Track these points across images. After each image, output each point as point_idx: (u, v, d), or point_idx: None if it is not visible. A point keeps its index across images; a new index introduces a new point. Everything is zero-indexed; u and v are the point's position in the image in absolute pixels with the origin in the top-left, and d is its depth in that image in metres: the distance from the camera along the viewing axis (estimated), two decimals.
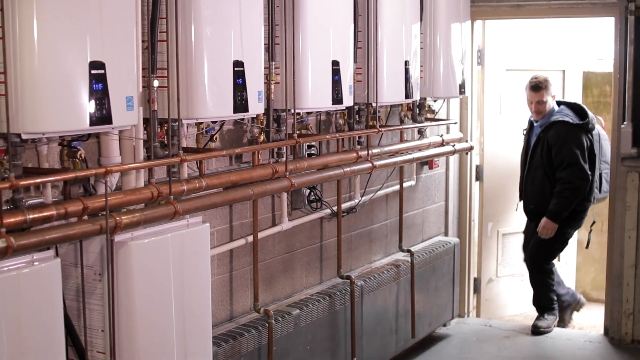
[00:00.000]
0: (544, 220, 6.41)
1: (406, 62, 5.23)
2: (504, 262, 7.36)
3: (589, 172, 6.37)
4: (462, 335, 6.71)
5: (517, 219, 7.14)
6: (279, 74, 4.32)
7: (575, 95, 7.50)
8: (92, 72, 3.05)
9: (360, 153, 5.03)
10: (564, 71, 7.54)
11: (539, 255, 6.64)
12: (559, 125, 6.40)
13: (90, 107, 3.05)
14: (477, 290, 7.26)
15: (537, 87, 6.51)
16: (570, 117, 6.45)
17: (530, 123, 6.70)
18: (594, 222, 6.90)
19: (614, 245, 6.43)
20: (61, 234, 3.07)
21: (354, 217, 5.63)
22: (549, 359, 6.33)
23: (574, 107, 6.60)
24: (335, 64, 4.54)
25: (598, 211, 7.06)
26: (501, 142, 7.26)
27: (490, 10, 6.72)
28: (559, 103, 6.65)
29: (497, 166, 7.25)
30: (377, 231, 5.98)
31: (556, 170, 6.39)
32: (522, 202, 6.77)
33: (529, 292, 6.83)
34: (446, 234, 7.00)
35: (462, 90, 6.00)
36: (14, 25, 2.85)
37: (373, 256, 5.95)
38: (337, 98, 4.57)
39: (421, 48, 5.59)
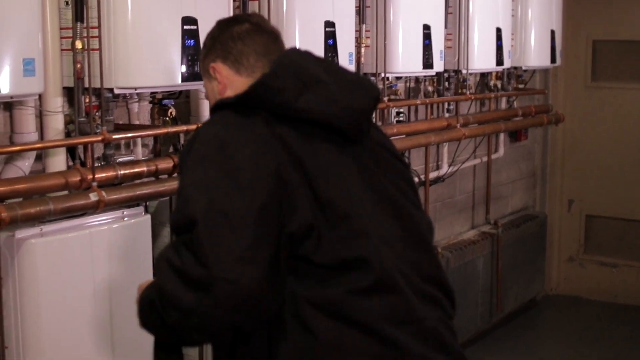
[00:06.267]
0: None
1: (498, 29, 5.10)
2: (588, 245, 7.02)
3: None
4: (549, 310, 6.60)
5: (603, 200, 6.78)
6: (369, 37, 4.25)
7: None
8: (185, 27, 3.03)
9: (449, 120, 4.93)
10: None
11: None
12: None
13: (182, 63, 3.04)
14: (563, 267, 7.06)
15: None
16: None
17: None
18: None
19: None
20: (152, 190, 3.09)
21: (440, 187, 5.53)
22: None
23: None
24: (426, 27, 4.44)
25: None
26: (589, 116, 6.79)
27: None
28: None
29: (583, 142, 6.85)
30: (464, 202, 5.88)
31: None
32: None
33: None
34: (534, 208, 6.85)
35: (554, 59, 5.85)
36: None
37: (460, 227, 5.86)
38: (427, 63, 4.48)
39: (512, 15, 5.45)
